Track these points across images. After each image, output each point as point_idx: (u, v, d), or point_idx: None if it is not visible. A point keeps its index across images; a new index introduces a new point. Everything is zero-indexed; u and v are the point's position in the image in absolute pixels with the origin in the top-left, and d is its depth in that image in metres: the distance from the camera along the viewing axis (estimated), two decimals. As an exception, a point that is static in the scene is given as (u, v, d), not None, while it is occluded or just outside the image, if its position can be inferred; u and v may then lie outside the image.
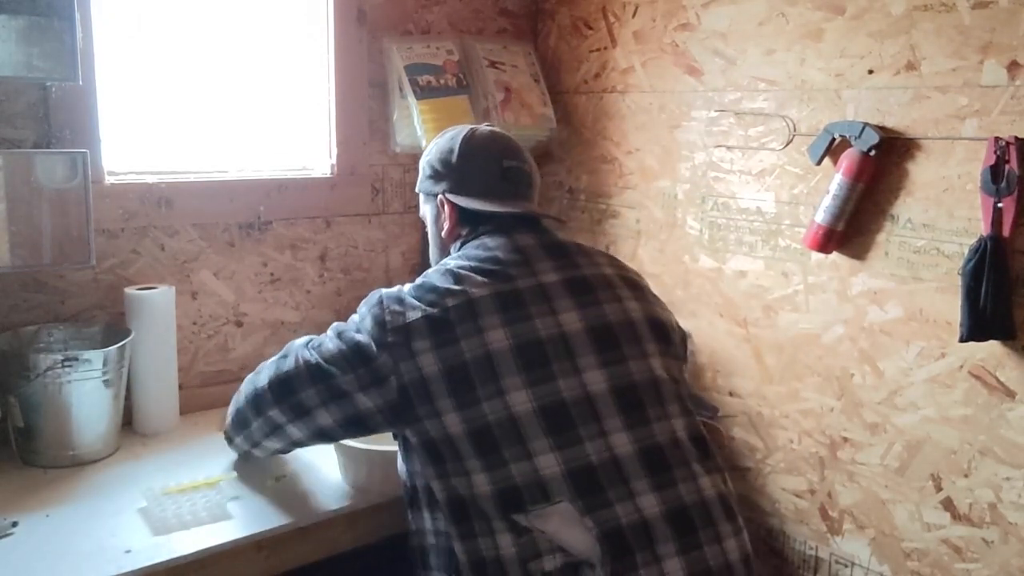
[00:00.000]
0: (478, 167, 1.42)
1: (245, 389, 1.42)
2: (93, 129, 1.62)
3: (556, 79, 2.21)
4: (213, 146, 1.86)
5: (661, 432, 1.26)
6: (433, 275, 1.32)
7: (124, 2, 1.70)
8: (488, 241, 1.36)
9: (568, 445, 1.21)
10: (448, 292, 1.27)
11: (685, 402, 1.33)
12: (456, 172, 1.42)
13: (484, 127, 1.48)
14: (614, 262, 1.44)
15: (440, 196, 1.43)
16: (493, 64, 2.11)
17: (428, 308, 1.25)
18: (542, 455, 1.20)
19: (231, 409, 1.49)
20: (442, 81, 2.01)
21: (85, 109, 1.60)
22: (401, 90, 1.98)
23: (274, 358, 1.38)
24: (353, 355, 1.26)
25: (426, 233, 2.11)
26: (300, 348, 1.35)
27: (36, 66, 1.41)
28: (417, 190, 1.52)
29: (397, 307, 1.27)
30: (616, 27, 2.05)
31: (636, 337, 1.32)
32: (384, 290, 1.33)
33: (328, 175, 1.98)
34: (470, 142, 1.43)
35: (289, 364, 1.33)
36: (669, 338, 1.38)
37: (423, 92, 1.97)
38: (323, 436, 1.34)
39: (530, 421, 1.21)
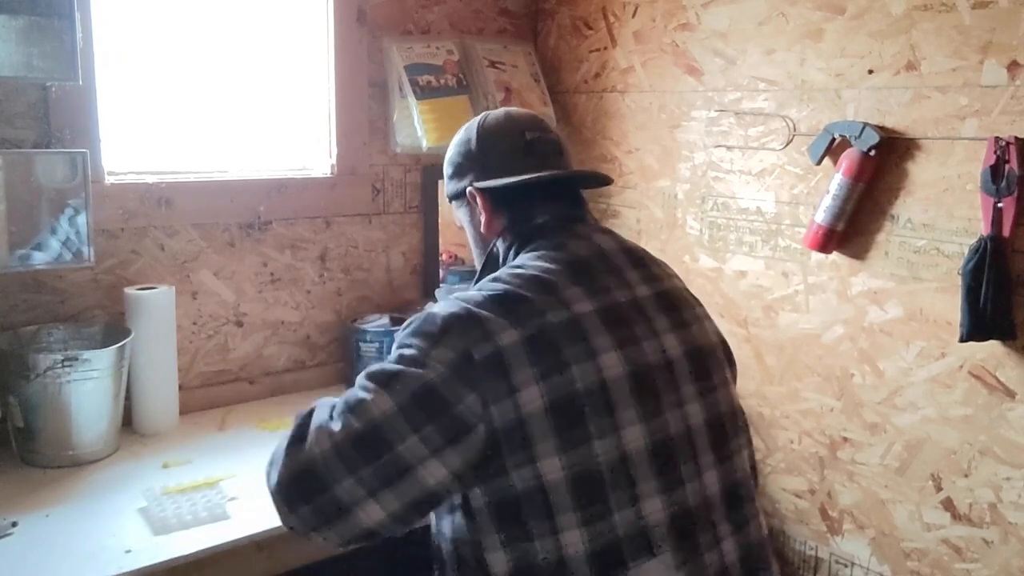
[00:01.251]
0: (499, 147, 1.23)
1: (267, 478, 1.07)
2: (93, 129, 1.62)
3: (556, 79, 2.21)
4: (213, 146, 1.86)
5: (739, 467, 1.12)
6: (509, 280, 1.07)
7: (124, 2, 1.70)
8: (560, 239, 1.15)
9: (672, 488, 1.04)
10: (544, 304, 1.04)
11: (748, 430, 1.21)
12: (478, 159, 1.24)
13: (499, 109, 1.32)
14: (675, 273, 1.28)
15: (469, 189, 1.24)
16: (493, 64, 2.11)
17: (524, 326, 1.01)
18: (648, 499, 1.02)
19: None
20: (442, 81, 2.01)
21: (85, 109, 1.60)
22: (401, 90, 1.98)
23: (286, 438, 1.05)
24: (420, 406, 0.97)
25: (428, 232, 2.13)
26: (322, 421, 1.01)
27: (36, 66, 1.41)
28: (446, 196, 1.34)
29: (478, 329, 1.00)
30: (616, 27, 2.05)
31: (719, 362, 1.16)
32: (440, 307, 1.04)
33: (328, 175, 1.97)
34: (485, 125, 1.26)
35: (310, 451, 0.99)
36: (733, 359, 1.24)
37: (423, 92, 1.97)
38: (364, 539, 1.03)
39: (641, 460, 1.02)
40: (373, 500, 0.97)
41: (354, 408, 0.99)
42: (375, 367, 1.03)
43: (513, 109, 1.32)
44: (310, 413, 1.05)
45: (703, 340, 1.15)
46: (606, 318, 1.06)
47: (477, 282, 1.16)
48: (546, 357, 1.00)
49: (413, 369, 0.99)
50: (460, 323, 1.01)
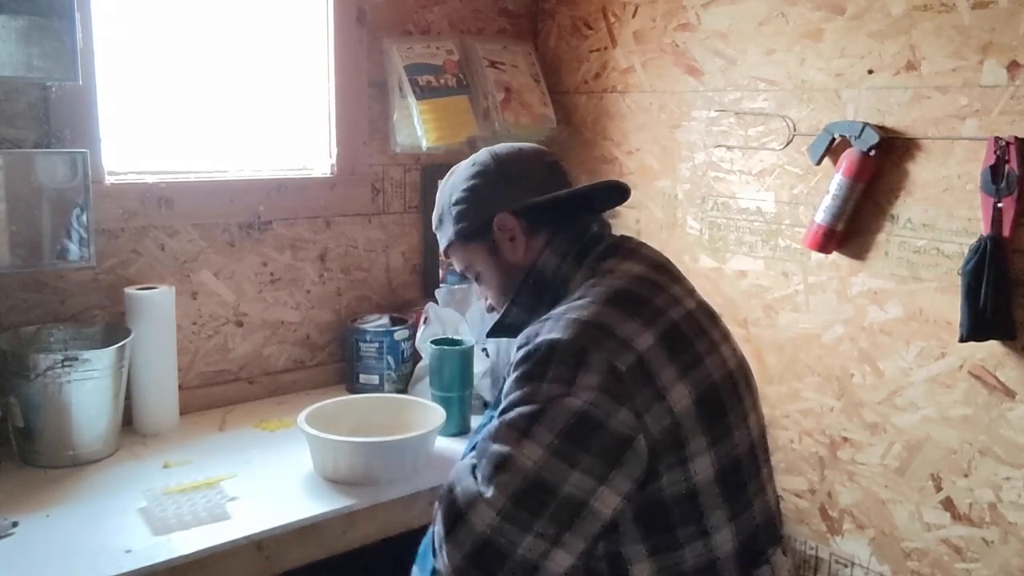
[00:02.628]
0: (527, 171, 1.19)
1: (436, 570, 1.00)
2: (93, 129, 1.62)
3: (556, 79, 2.21)
4: (213, 146, 1.86)
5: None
6: (615, 283, 1.03)
7: (124, 2, 1.70)
8: (627, 245, 1.13)
9: (769, 474, 1.09)
10: (662, 301, 1.02)
11: None
12: (502, 183, 1.17)
13: (498, 145, 1.26)
14: None
15: (498, 217, 1.15)
16: (493, 64, 2.11)
17: (655, 324, 0.98)
18: (768, 484, 1.05)
19: None
20: (442, 81, 2.01)
21: (85, 109, 1.60)
22: (401, 90, 1.98)
23: (440, 523, 0.97)
24: (570, 440, 0.91)
25: (428, 231, 2.12)
26: (472, 493, 0.94)
27: (36, 66, 1.41)
28: (448, 243, 1.23)
29: (613, 339, 0.95)
30: (616, 27, 2.05)
31: (751, 376, 1.17)
32: (554, 331, 0.97)
33: (328, 175, 1.97)
34: (500, 153, 1.21)
35: (475, 527, 0.92)
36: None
37: (423, 92, 1.97)
38: None
39: (760, 444, 1.05)
40: (558, 548, 0.92)
41: (501, 466, 0.93)
42: (510, 416, 0.95)
43: (514, 144, 1.26)
44: (451, 489, 0.98)
45: (740, 353, 1.16)
46: (706, 313, 1.08)
47: (511, 309, 1.14)
48: (683, 352, 0.98)
49: (555, 404, 0.93)
50: (594, 339, 0.95)
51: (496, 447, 0.94)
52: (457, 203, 1.20)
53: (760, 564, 1.01)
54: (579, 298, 1.02)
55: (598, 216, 1.21)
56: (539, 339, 0.98)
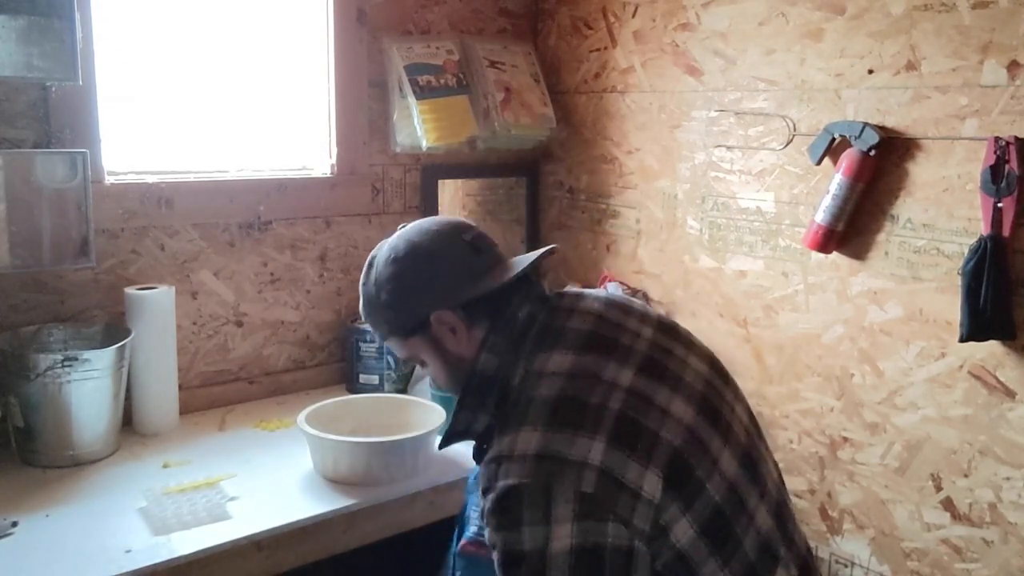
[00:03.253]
0: (449, 260, 1.14)
1: None
2: (93, 129, 1.62)
3: (556, 79, 2.21)
4: (213, 146, 1.86)
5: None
6: (544, 392, 1.02)
7: (124, 2, 1.70)
8: (556, 323, 1.11)
9: (763, 492, 1.08)
10: (599, 397, 1.01)
11: None
12: (427, 279, 1.14)
13: (403, 229, 1.21)
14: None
15: (435, 314, 1.13)
16: (493, 64, 2.11)
17: (598, 429, 0.97)
18: (757, 512, 1.04)
19: None
20: (442, 81, 2.01)
21: (85, 109, 1.60)
22: (401, 90, 1.98)
23: None
24: (582, 568, 0.92)
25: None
26: None
27: (36, 66, 1.41)
28: (387, 339, 1.20)
29: (567, 468, 0.95)
30: (616, 27, 2.05)
31: (719, 360, 1.20)
32: (507, 476, 0.97)
33: (328, 175, 1.98)
34: (419, 246, 1.15)
35: None
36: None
37: (423, 92, 1.97)
38: None
39: (739, 478, 1.04)
40: None
41: None
42: (510, 572, 0.95)
43: (421, 220, 1.22)
44: None
45: (704, 347, 1.18)
46: (649, 374, 1.05)
47: (458, 415, 1.12)
48: (638, 439, 0.97)
49: (547, 548, 0.93)
50: (551, 473, 0.95)
51: None
52: (388, 303, 1.16)
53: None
54: (520, 415, 1.01)
55: (529, 288, 1.16)
56: (500, 484, 0.97)
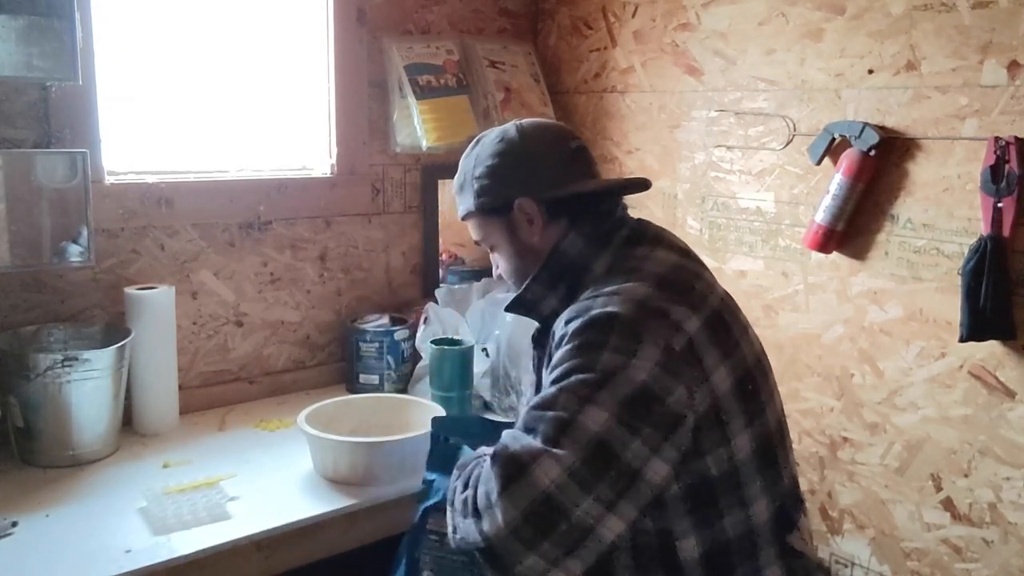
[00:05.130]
0: (548, 156, 1.20)
1: (475, 531, 0.96)
2: (93, 129, 1.62)
3: (556, 79, 2.21)
4: (213, 146, 1.86)
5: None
6: (656, 268, 1.08)
7: (124, 2, 1.70)
8: (652, 232, 1.19)
9: (790, 445, 1.18)
10: (701, 287, 1.08)
11: None
12: (525, 167, 1.19)
13: (526, 119, 1.26)
14: None
15: (519, 200, 1.17)
16: (493, 64, 2.11)
17: (700, 309, 1.04)
18: (791, 453, 1.15)
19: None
20: (442, 81, 2.01)
21: (85, 109, 1.60)
22: (401, 90, 1.98)
23: (492, 481, 0.94)
24: (635, 409, 0.94)
25: (428, 231, 2.12)
26: (535, 450, 0.93)
27: (36, 66, 1.41)
28: (467, 212, 1.24)
29: (667, 320, 1.00)
30: (616, 27, 2.05)
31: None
32: (609, 306, 1.00)
33: (328, 175, 1.97)
34: (526, 132, 1.21)
35: (539, 483, 0.91)
36: None
37: (423, 92, 1.97)
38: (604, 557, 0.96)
39: (783, 419, 1.14)
40: (612, 514, 0.93)
41: (567, 427, 0.93)
42: (569, 382, 0.96)
43: (541, 119, 1.31)
44: (507, 447, 0.95)
45: (758, 337, 1.20)
46: (731, 301, 1.13)
47: (531, 285, 1.16)
48: (724, 337, 1.04)
49: (618, 374, 0.95)
50: (651, 318, 1.00)
51: (557, 412, 0.95)
52: (480, 177, 1.21)
53: (791, 530, 1.08)
54: (622, 282, 1.05)
55: (618, 201, 1.23)
56: (596, 311, 1.00)
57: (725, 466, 1.01)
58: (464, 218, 1.27)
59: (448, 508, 1.05)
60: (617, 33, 2.05)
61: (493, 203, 1.20)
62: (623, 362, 0.96)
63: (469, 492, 0.99)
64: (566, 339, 1.01)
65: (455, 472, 1.09)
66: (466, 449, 1.19)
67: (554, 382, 0.98)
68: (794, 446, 1.76)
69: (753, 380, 1.06)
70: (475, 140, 1.26)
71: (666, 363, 0.96)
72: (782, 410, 1.16)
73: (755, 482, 1.03)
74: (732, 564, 1.02)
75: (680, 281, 1.07)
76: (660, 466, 0.95)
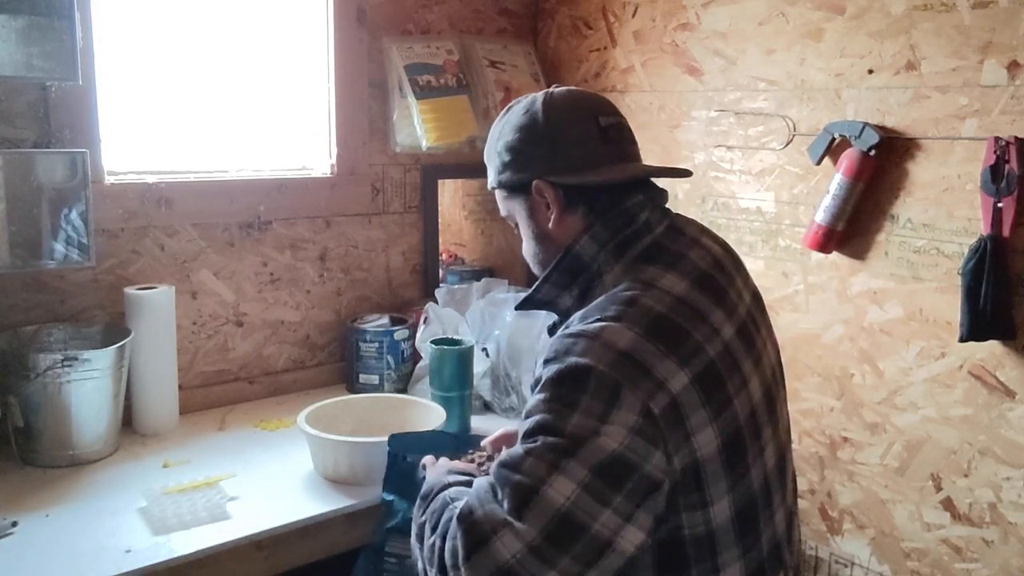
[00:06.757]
0: (572, 134, 1.09)
1: None
2: (93, 129, 1.62)
3: (556, 79, 2.21)
4: (213, 146, 1.86)
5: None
6: (653, 303, 0.98)
7: (124, 2, 1.70)
8: (676, 246, 1.08)
9: (785, 491, 1.09)
10: (701, 334, 0.97)
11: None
12: (547, 147, 1.09)
13: (561, 88, 1.15)
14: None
15: (536, 182, 1.09)
16: (493, 64, 2.11)
17: (690, 364, 0.94)
18: (777, 511, 1.05)
19: None
20: (442, 81, 2.01)
21: (85, 109, 1.60)
22: (401, 90, 1.98)
23: (457, 540, 0.91)
24: (605, 479, 0.88)
25: (428, 231, 2.12)
26: (497, 517, 0.89)
27: (36, 66, 1.41)
28: (493, 186, 1.18)
29: (649, 379, 0.91)
30: (616, 27, 2.05)
31: (783, 375, 1.17)
32: (587, 354, 0.92)
33: (328, 175, 1.97)
34: (552, 107, 1.10)
35: (500, 556, 0.88)
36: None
37: (423, 92, 1.97)
38: None
39: (772, 474, 1.04)
40: None
41: (531, 499, 0.88)
42: (536, 446, 0.90)
43: (576, 88, 1.17)
44: (472, 511, 0.92)
45: (772, 361, 1.13)
46: (743, 339, 1.02)
47: (543, 286, 1.09)
48: (716, 394, 0.95)
49: (588, 441, 0.88)
50: (631, 376, 0.91)
51: (522, 478, 0.89)
52: (501, 152, 1.14)
53: None
54: (616, 312, 0.96)
55: (649, 193, 1.11)
56: (571, 360, 0.92)
57: (699, 531, 0.95)
58: (491, 188, 1.20)
59: (414, 542, 1.04)
60: (617, 33, 2.05)
61: (511, 181, 1.13)
62: (594, 427, 0.88)
63: (437, 541, 0.96)
64: (540, 386, 0.95)
65: (419, 502, 1.06)
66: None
67: (523, 438, 0.93)
68: (794, 446, 1.76)
69: (741, 441, 0.97)
70: (508, 107, 1.17)
71: (642, 429, 0.89)
72: (781, 456, 1.08)
73: (731, 548, 0.97)
74: None
75: (675, 327, 0.96)
76: (634, 534, 0.89)
